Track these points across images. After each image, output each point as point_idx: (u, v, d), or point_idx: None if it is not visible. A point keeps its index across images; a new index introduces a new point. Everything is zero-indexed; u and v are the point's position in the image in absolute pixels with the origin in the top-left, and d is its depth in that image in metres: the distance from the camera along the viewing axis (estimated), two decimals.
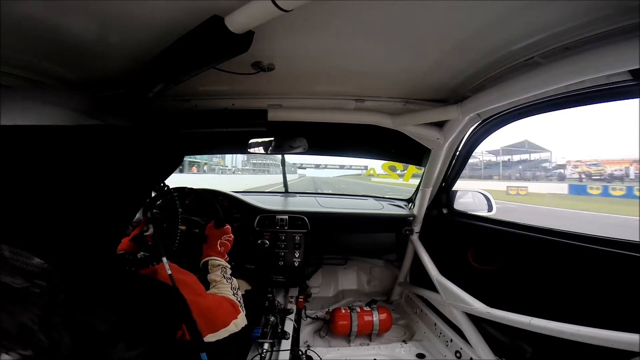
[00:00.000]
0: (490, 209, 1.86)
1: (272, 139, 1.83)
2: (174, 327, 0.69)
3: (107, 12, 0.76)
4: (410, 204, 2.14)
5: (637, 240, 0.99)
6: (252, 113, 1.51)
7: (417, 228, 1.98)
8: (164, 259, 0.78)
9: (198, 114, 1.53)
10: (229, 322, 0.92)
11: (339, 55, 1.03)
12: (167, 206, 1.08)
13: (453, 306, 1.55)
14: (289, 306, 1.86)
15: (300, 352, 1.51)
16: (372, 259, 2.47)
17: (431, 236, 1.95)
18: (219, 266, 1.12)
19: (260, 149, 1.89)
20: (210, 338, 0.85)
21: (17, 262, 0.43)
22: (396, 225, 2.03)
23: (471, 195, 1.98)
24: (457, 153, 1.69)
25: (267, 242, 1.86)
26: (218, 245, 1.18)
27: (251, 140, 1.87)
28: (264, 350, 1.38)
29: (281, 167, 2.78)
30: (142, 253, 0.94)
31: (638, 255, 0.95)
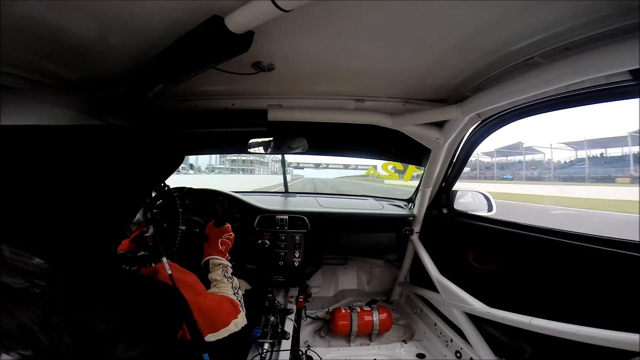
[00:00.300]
0: (490, 209, 1.86)
1: (272, 139, 1.83)
2: (175, 327, 0.69)
3: (107, 12, 0.76)
4: (410, 204, 2.14)
5: (637, 240, 0.99)
6: (252, 113, 1.51)
7: (417, 228, 1.98)
8: (164, 259, 0.78)
9: (198, 114, 1.53)
10: (229, 321, 0.92)
11: (339, 55, 1.03)
12: (168, 206, 1.08)
13: (453, 306, 1.55)
14: (289, 306, 1.86)
15: (300, 352, 1.51)
16: (372, 259, 2.47)
17: (431, 236, 1.95)
18: (220, 265, 1.12)
19: (260, 149, 1.89)
20: (210, 338, 0.85)
21: (17, 262, 0.43)
22: (396, 225, 2.03)
23: (471, 195, 1.98)
24: (457, 153, 1.69)
25: (267, 242, 1.86)
26: (219, 244, 1.18)
27: (251, 140, 1.87)
28: (264, 350, 1.38)
29: (281, 167, 2.79)
30: (142, 252, 0.94)
31: (638, 255, 0.95)
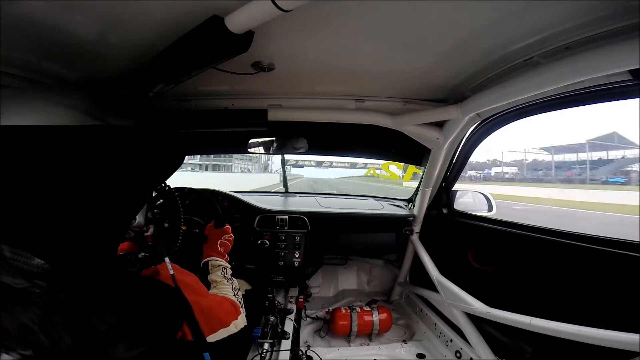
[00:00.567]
0: (490, 209, 1.86)
1: (272, 139, 1.83)
2: (175, 328, 0.69)
3: (107, 12, 0.76)
4: (410, 204, 2.14)
5: (637, 240, 0.99)
6: (252, 113, 1.51)
7: (417, 228, 1.98)
8: (167, 259, 0.78)
9: (198, 114, 1.53)
10: (229, 322, 0.92)
11: (339, 55, 1.03)
12: (169, 206, 1.08)
13: (453, 306, 1.55)
14: (289, 306, 1.86)
15: (300, 352, 1.51)
16: (372, 259, 2.47)
17: (431, 236, 1.95)
18: (220, 266, 1.12)
19: (261, 149, 1.89)
20: (210, 338, 0.85)
21: (18, 262, 0.43)
22: (396, 225, 2.03)
23: (471, 195, 1.98)
24: (457, 153, 1.69)
25: (267, 242, 1.86)
26: (218, 246, 1.18)
27: (251, 140, 1.87)
28: (264, 350, 1.38)
29: (281, 167, 2.79)
30: (142, 253, 0.94)
31: (638, 255, 0.95)
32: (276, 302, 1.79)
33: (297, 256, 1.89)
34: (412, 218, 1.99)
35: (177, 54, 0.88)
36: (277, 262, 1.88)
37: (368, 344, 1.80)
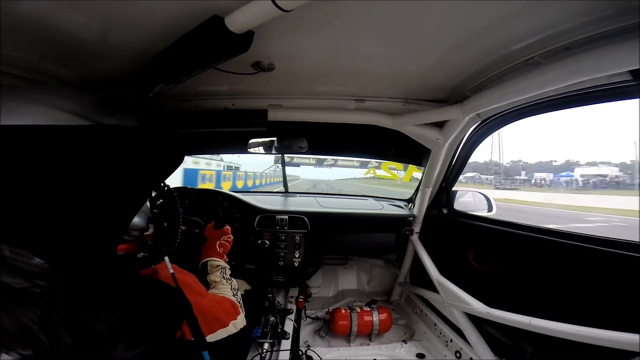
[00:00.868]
0: (490, 209, 1.86)
1: (272, 139, 1.83)
2: (174, 327, 0.69)
3: (107, 12, 0.76)
4: (410, 204, 2.14)
5: (637, 240, 0.99)
6: (252, 113, 1.51)
7: (417, 228, 1.98)
8: (166, 259, 0.78)
9: (198, 114, 1.53)
10: (228, 322, 0.92)
11: (339, 55, 1.03)
12: (168, 206, 1.08)
13: (453, 306, 1.55)
14: (289, 306, 1.86)
15: (300, 352, 1.51)
16: (372, 259, 2.47)
17: (431, 236, 1.95)
18: (218, 267, 1.12)
19: (260, 149, 1.89)
20: (209, 338, 0.85)
21: (18, 262, 0.43)
22: (396, 225, 2.03)
23: (471, 195, 1.98)
24: (457, 153, 1.69)
25: (267, 242, 1.85)
26: (217, 246, 1.18)
27: (251, 140, 1.87)
28: (264, 350, 1.38)
29: (281, 167, 2.79)
30: (142, 253, 0.94)
31: (638, 255, 0.95)
32: (276, 302, 1.79)
33: (297, 256, 1.89)
34: (412, 218, 1.99)
35: (177, 54, 0.88)
36: (277, 262, 1.88)
37: (368, 344, 1.80)
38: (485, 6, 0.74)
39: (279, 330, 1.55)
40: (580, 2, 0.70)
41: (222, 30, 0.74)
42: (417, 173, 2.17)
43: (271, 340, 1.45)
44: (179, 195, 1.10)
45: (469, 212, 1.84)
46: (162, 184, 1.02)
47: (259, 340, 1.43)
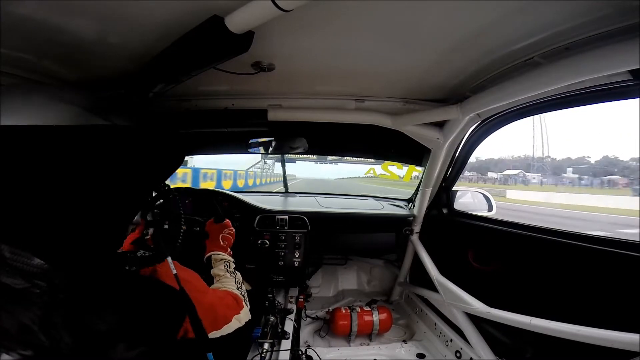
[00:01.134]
0: (490, 208, 1.86)
1: (272, 139, 1.83)
2: (175, 327, 0.69)
3: (107, 12, 0.76)
4: (410, 204, 2.14)
5: (637, 240, 0.99)
6: (252, 113, 1.51)
7: (417, 228, 1.98)
8: (169, 259, 0.78)
9: (198, 114, 1.53)
10: (231, 317, 0.91)
11: (339, 55, 1.03)
12: (168, 206, 1.08)
13: (453, 306, 1.55)
14: (289, 306, 1.86)
15: (300, 352, 1.51)
16: (372, 259, 2.47)
17: (431, 236, 1.95)
18: (222, 260, 1.12)
19: (260, 149, 1.89)
20: (214, 335, 0.85)
21: (17, 262, 0.43)
22: (396, 225, 2.03)
23: (471, 195, 1.98)
24: (457, 153, 1.69)
25: (267, 242, 1.86)
26: (220, 240, 1.18)
27: (251, 140, 1.87)
28: (264, 350, 1.38)
29: (281, 167, 2.79)
30: (142, 252, 0.94)
31: (638, 255, 0.95)
32: (276, 302, 1.79)
33: (297, 256, 1.89)
34: (412, 218, 1.99)
35: (177, 54, 0.88)
36: (277, 262, 1.88)
37: (368, 344, 1.80)
38: (485, 6, 0.74)
39: (279, 330, 1.55)
40: (580, 2, 0.70)
41: (222, 30, 0.74)
42: (416, 173, 2.17)
43: (271, 340, 1.45)
44: (179, 195, 1.10)
45: (469, 212, 1.84)
46: (162, 184, 1.02)
47: (259, 340, 1.43)
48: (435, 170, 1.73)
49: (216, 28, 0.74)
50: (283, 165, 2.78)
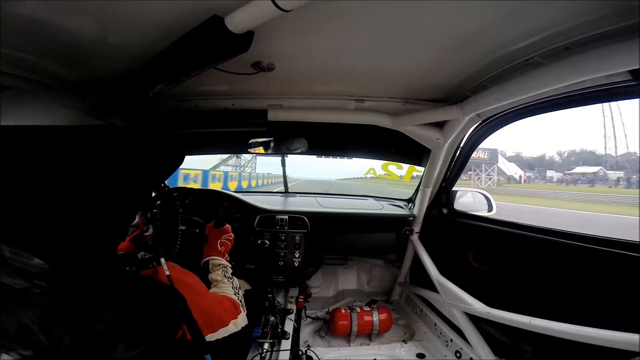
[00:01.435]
0: (490, 209, 1.86)
1: (272, 139, 1.83)
2: (174, 327, 0.69)
3: (107, 12, 0.76)
4: (410, 204, 2.15)
5: (637, 240, 0.99)
6: (252, 113, 1.51)
7: (417, 228, 1.98)
8: (162, 260, 0.78)
9: (198, 114, 1.53)
10: (228, 321, 0.92)
11: (339, 55, 1.03)
12: (167, 206, 1.08)
13: (453, 306, 1.55)
14: (289, 306, 1.86)
15: (300, 352, 1.51)
16: (372, 259, 2.47)
17: (431, 236, 1.95)
18: (220, 266, 1.12)
19: (260, 149, 1.89)
20: (209, 338, 0.85)
21: (17, 262, 0.43)
22: (396, 225, 2.03)
23: (471, 195, 1.98)
24: (457, 153, 1.69)
25: (267, 242, 1.86)
26: (218, 245, 1.18)
27: (251, 140, 1.87)
28: (264, 350, 1.38)
29: (281, 167, 2.78)
30: (142, 253, 0.94)
31: (638, 255, 0.95)
32: (276, 302, 1.79)
33: (297, 256, 1.89)
34: (412, 218, 1.99)
35: (177, 54, 0.88)
36: (277, 262, 1.88)
37: (368, 344, 1.80)
38: (485, 6, 0.74)
39: (279, 330, 1.55)
40: (580, 2, 0.70)
41: (222, 30, 0.74)
42: (417, 173, 2.17)
43: (271, 340, 1.45)
44: (179, 195, 1.10)
45: (469, 212, 1.84)
46: (161, 185, 1.02)
47: (259, 340, 1.43)
48: (435, 171, 1.73)
49: (216, 28, 0.74)
50: (283, 166, 2.78)
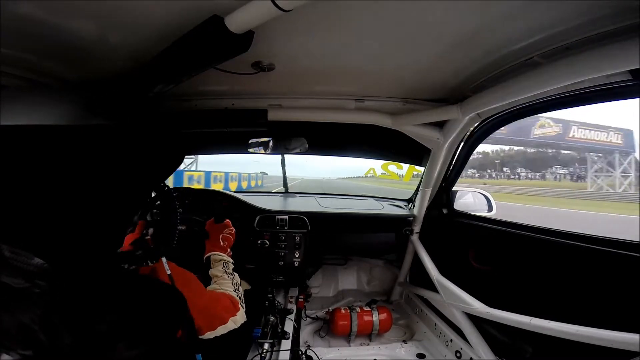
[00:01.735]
0: (490, 209, 1.86)
1: (272, 139, 1.83)
2: (175, 326, 0.69)
3: (107, 12, 0.76)
4: (410, 204, 2.14)
5: (637, 240, 0.99)
6: (252, 113, 1.51)
7: (417, 228, 1.98)
8: (164, 259, 0.78)
9: (198, 114, 1.53)
10: (227, 319, 0.91)
11: (339, 55, 1.03)
12: (167, 206, 1.08)
13: (453, 306, 1.55)
14: (289, 306, 1.86)
15: (300, 352, 1.51)
16: (372, 259, 2.47)
17: (431, 236, 1.95)
18: (221, 261, 1.11)
19: (260, 149, 1.89)
20: (208, 335, 0.85)
21: (18, 262, 0.43)
22: (396, 225, 2.03)
23: (471, 195, 1.98)
24: (457, 153, 1.69)
25: (267, 242, 1.86)
26: (220, 240, 1.17)
27: (251, 140, 1.87)
28: (264, 350, 1.38)
29: (281, 167, 2.78)
30: (140, 251, 0.94)
31: (638, 255, 0.95)
32: (276, 302, 1.79)
33: (297, 256, 1.89)
34: (412, 218, 1.99)
35: (177, 54, 0.88)
36: (277, 262, 1.88)
37: (368, 344, 1.80)
38: (486, 6, 0.74)
39: (279, 330, 1.55)
40: (580, 2, 0.70)
41: (222, 30, 0.74)
42: (417, 172, 2.17)
43: (271, 340, 1.45)
44: (178, 195, 1.10)
45: (469, 212, 1.84)
46: (161, 184, 1.02)
47: (259, 340, 1.43)
48: (435, 170, 1.73)
49: (216, 28, 0.74)
50: (283, 166, 2.78)
